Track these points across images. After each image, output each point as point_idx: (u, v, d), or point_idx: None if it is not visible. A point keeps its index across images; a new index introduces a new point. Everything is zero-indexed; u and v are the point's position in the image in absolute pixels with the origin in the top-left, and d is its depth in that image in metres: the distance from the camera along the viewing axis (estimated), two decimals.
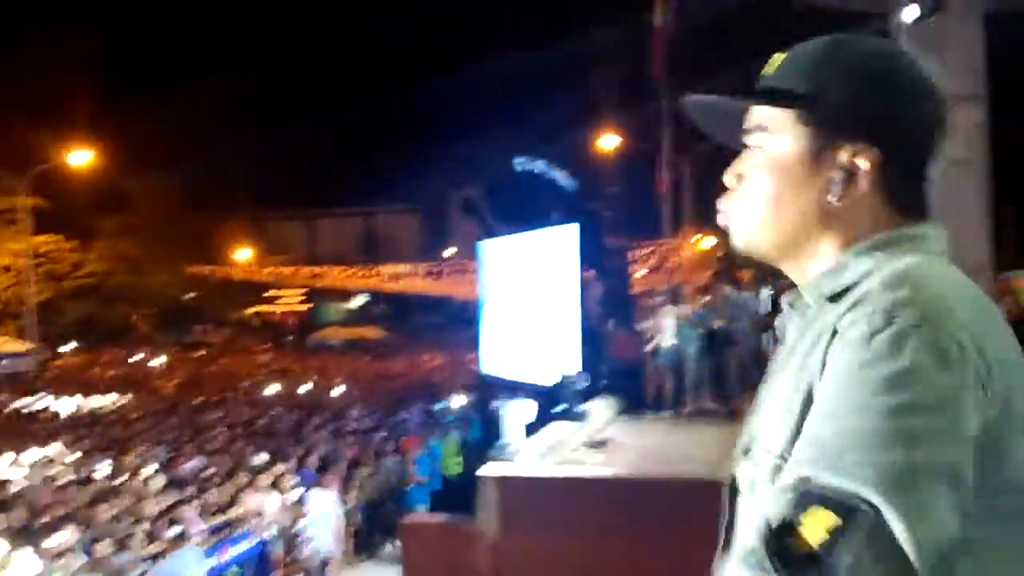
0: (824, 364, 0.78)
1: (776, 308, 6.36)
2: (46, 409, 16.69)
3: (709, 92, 0.97)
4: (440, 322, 37.17)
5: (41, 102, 26.49)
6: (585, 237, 6.17)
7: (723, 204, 0.97)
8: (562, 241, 6.31)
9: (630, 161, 21.41)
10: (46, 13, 29.76)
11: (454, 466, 9.69)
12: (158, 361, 28.37)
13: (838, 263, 0.87)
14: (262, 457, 10.50)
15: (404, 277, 39.33)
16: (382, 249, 43.43)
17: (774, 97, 0.91)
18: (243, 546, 7.92)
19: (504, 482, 3.43)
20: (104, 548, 7.15)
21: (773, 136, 0.91)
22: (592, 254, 6.35)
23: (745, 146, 0.94)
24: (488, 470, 3.54)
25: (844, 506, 0.68)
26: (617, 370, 6.33)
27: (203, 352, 32.34)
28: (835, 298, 0.84)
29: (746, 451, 0.92)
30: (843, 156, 0.87)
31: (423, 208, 45.56)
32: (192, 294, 36.79)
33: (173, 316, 36.03)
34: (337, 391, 18.54)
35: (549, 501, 3.35)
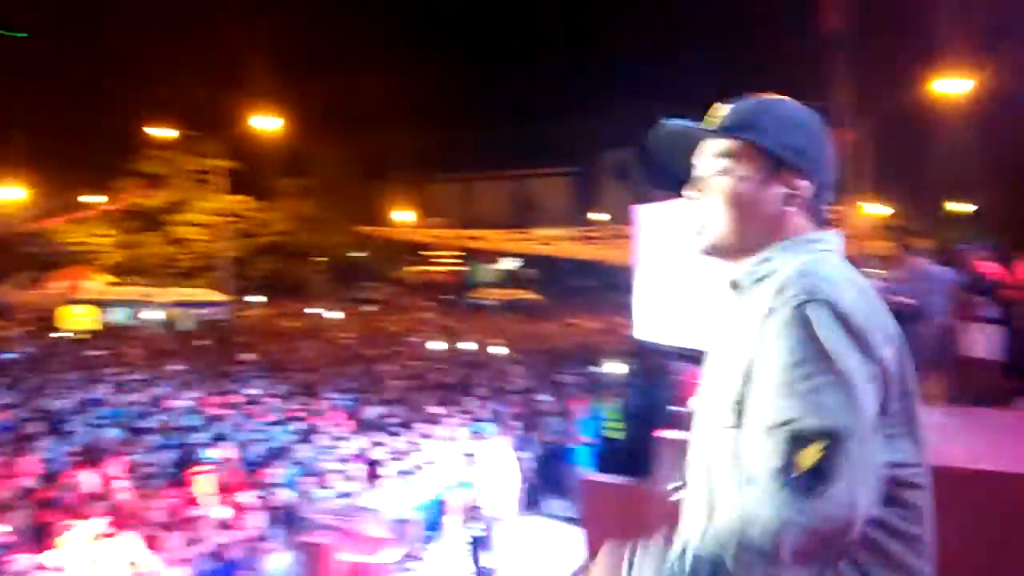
0: (762, 336, 1.04)
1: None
2: (244, 352, 18.45)
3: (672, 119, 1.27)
4: (592, 286, 37.36)
5: (235, 70, 28.84)
6: None
7: (695, 215, 1.25)
8: None
9: None
10: None
11: (614, 430, 9.89)
12: (333, 315, 30.53)
13: (767, 256, 1.16)
14: (436, 409, 11.13)
15: (556, 241, 39.75)
16: (535, 213, 43.97)
17: (742, 134, 1.19)
18: (425, 491, 8.49)
19: (682, 446, 3.64)
20: (308, 483, 7.98)
21: (737, 163, 1.19)
22: None
23: (692, 169, 1.24)
24: (666, 433, 3.59)
25: (805, 438, 0.94)
26: None
27: (372, 308, 34.42)
28: (761, 280, 1.13)
29: (698, 410, 1.19)
30: (785, 180, 1.17)
31: (576, 172, 45.48)
32: (360, 253, 39.18)
33: (344, 273, 38.60)
34: (496, 349, 19.14)
35: None
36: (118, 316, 27.03)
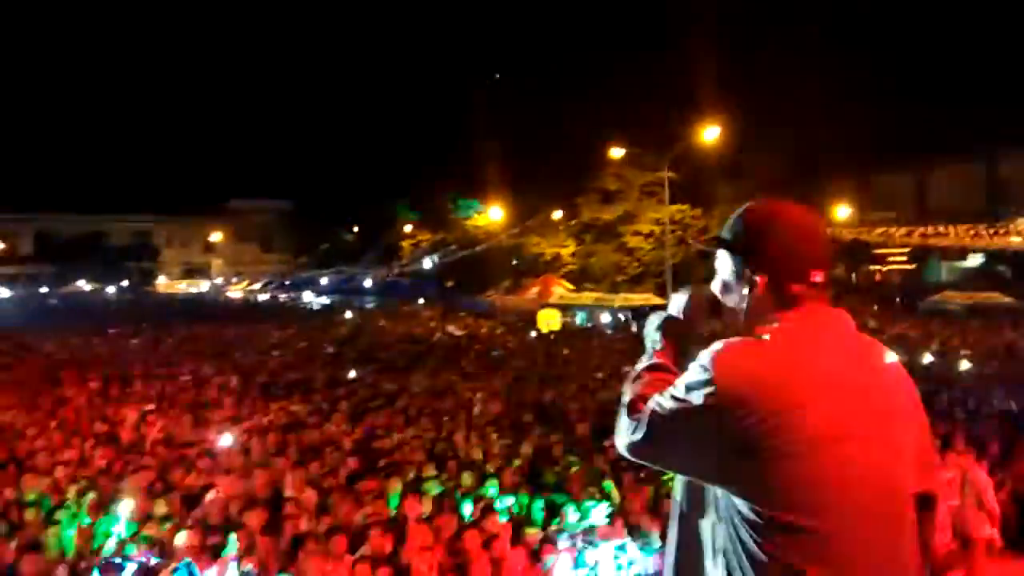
0: None
1: None
2: None
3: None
4: None
5: (678, 87, 30.87)
6: None
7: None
8: None
9: None
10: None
11: None
12: None
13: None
14: None
15: None
16: (1009, 201, 37.55)
17: (719, 245, 1.68)
18: None
19: None
20: None
21: (723, 262, 1.68)
22: None
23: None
24: None
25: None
26: None
27: None
28: None
29: None
30: (748, 275, 1.61)
31: None
32: None
33: None
34: (963, 362, 17.08)
35: None
36: (578, 319, 30.86)
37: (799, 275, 1.55)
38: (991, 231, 35.72)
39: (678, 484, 1.64)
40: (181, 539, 5.24)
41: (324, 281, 55.81)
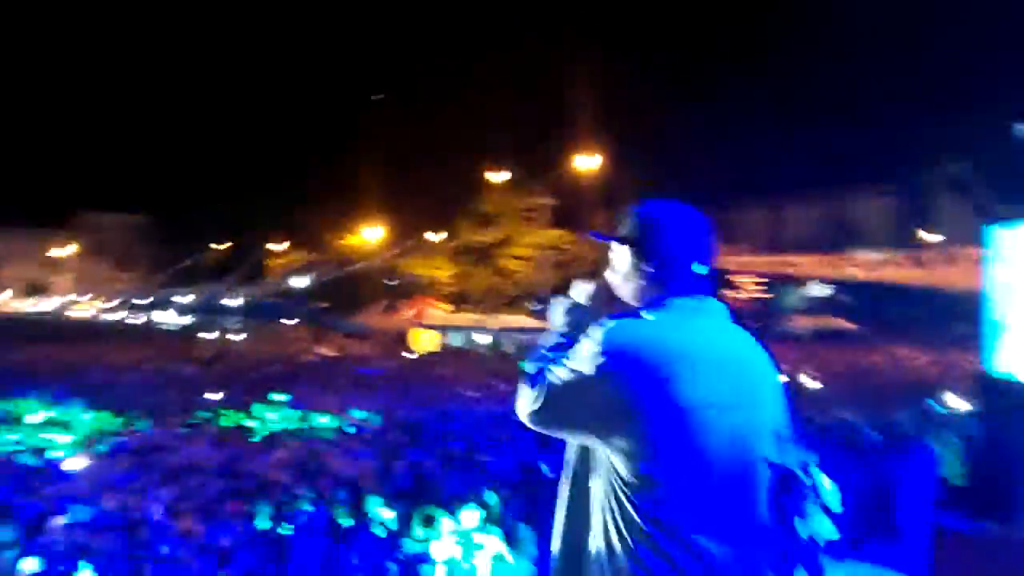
0: None
1: None
2: None
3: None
4: (918, 315, 33.92)
5: (560, 116, 31.84)
6: None
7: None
8: None
9: None
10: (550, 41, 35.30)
11: (954, 474, 9.28)
12: None
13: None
14: None
15: (877, 265, 36.77)
16: (851, 235, 41.07)
17: (615, 239, 1.85)
18: None
19: None
20: None
21: (619, 254, 1.85)
22: None
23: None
24: None
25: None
26: None
27: None
28: None
29: None
30: (641, 266, 1.78)
31: (897, 189, 41.51)
32: None
33: None
34: (812, 383, 18.41)
35: None
36: (455, 340, 30.85)
37: (684, 267, 1.76)
38: (836, 262, 39.01)
39: (570, 448, 1.81)
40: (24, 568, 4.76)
41: (185, 300, 52.91)
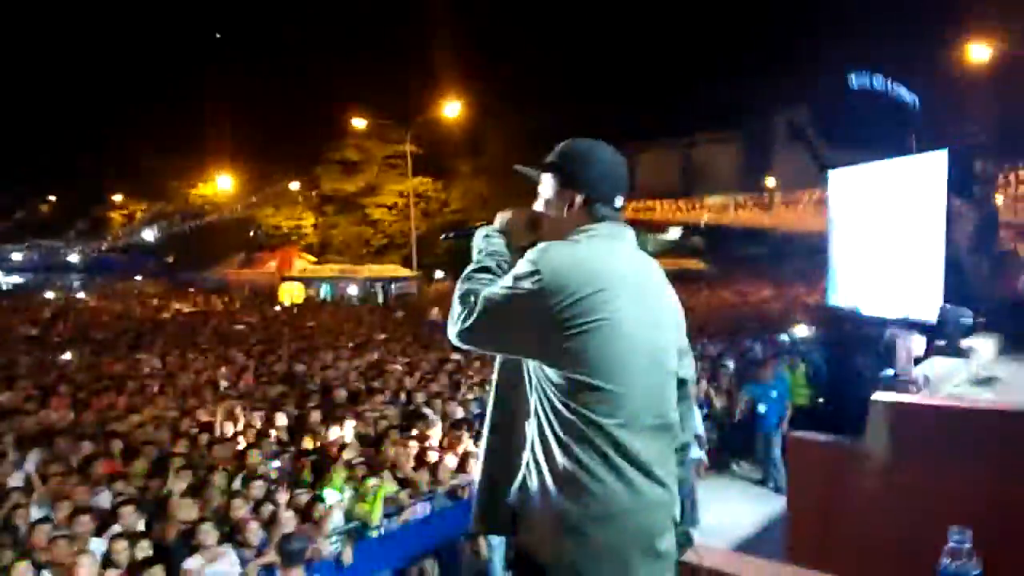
0: None
1: None
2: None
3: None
4: (762, 254, 36.48)
5: (423, 61, 31.03)
6: (953, 164, 5.80)
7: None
8: (928, 169, 6.04)
9: (1004, 73, 18.90)
10: None
11: (800, 396, 10.13)
12: None
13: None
14: None
15: (724, 208, 39.00)
16: (701, 180, 43.18)
17: (544, 167, 1.96)
18: None
19: (903, 409, 3.46)
20: None
21: (546, 183, 1.96)
22: (960, 182, 5.94)
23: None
24: (883, 396, 3.65)
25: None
26: (998, 306, 5.97)
27: None
28: None
29: None
30: (569, 194, 1.90)
31: (743, 135, 43.93)
32: None
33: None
34: None
35: (951, 432, 3.29)
36: (322, 291, 30.12)
37: (607, 198, 1.91)
38: (687, 206, 41.06)
39: (497, 364, 1.99)
40: None
41: (17, 257, 48.30)
